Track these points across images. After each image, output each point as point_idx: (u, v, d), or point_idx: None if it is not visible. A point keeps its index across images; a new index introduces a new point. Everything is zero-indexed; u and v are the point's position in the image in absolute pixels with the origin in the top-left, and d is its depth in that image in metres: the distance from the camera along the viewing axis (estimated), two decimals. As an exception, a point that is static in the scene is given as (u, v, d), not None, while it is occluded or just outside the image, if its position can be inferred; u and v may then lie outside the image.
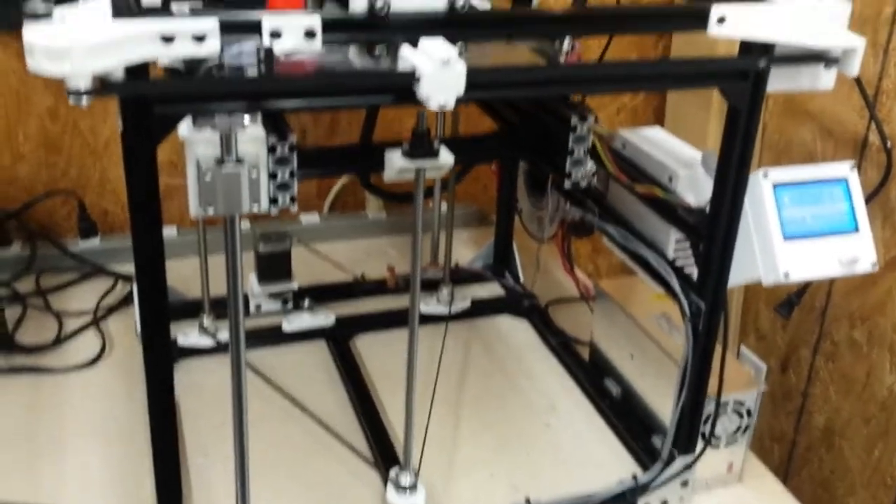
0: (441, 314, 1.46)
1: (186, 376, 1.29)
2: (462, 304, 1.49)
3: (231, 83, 0.76)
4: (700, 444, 1.12)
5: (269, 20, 0.75)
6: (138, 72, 0.73)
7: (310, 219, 1.73)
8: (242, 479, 0.94)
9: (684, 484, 1.13)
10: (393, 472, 1.08)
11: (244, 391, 0.90)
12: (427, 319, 1.43)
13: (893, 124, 1.50)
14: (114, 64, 0.70)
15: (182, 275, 1.39)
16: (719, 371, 1.07)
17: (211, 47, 0.73)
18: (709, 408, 1.09)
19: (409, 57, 0.79)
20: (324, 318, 1.42)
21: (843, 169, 1.01)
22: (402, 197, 1.41)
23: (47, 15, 0.69)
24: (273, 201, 0.88)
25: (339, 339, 1.40)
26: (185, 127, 0.80)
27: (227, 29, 0.74)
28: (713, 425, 1.11)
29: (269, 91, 0.79)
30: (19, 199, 1.56)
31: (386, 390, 1.28)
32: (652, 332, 1.18)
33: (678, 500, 1.14)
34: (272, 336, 1.39)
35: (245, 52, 0.76)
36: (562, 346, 1.41)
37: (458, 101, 0.78)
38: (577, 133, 1.09)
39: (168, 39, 0.72)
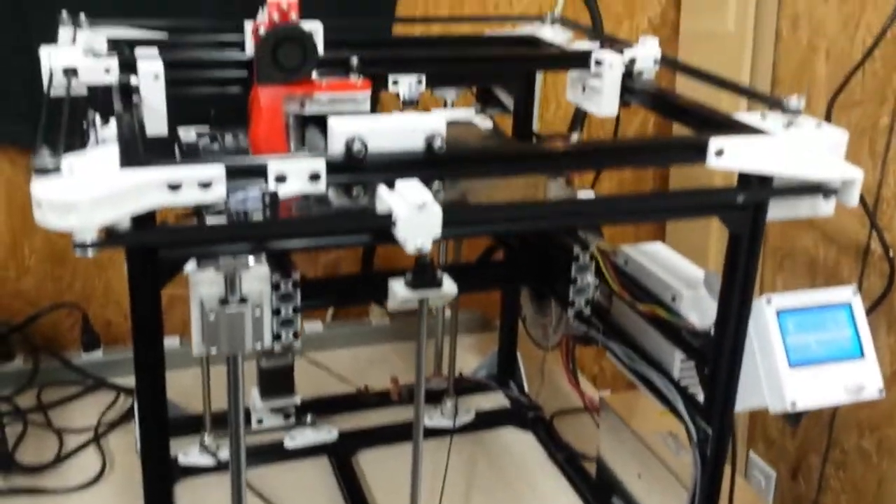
0: (445, 427, 1.44)
1: (187, 496, 1.27)
2: (466, 416, 1.48)
3: (235, 228, 0.77)
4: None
5: (274, 165, 0.76)
6: (144, 219, 0.74)
7: (313, 327, 1.72)
8: None
9: None
10: None
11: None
12: (431, 433, 1.41)
13: (894, 232, 1.50)
14: (120, 215, 0.70)
15: (184, 385, 1.38)
16: (729, 494, 1.06)
17: (217, 193, 0.74)
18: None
19: (386, 199, 0.79)
20: (326, 433, 1.41)
21: (847, 293, 1.00)
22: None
23: (56, 169, 0.70)
24: (276, 337, 0.88)
25: (342, 455, 1.38)
26: (189, 264, 0.81)
27: (234, 174, 0.75)
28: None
29: (272, 235, 0.80)
30: (24, 311, 1.57)
31: (390, 510, 1.26)
32: (659, 451, 1.17)
33: None
34: (274, 453, 1.37)
35: (250, 197, 0.77)
36: (568, 461, 1.39)
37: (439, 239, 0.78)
38: (579, 262, 1.09)
39: (175, 187, 0.73)
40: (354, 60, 1.02)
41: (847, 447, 1.62)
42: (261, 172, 0.76)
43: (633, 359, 1.15)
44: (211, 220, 0.82)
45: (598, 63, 1.16)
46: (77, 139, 0.94)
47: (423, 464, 1.00)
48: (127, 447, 1.39)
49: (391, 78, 1.11)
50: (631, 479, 1.24)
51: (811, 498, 1.71)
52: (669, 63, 1.21)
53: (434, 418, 1.46)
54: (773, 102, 0.98)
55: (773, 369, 0.96)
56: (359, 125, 0.80)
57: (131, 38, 1.14)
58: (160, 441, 0.88)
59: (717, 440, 1.02)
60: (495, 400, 1.55)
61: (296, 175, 0.77)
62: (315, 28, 1.00)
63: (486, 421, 1.49)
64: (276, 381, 1.39)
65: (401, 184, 0.79)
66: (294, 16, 0.96)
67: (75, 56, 0.99)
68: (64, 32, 1.11)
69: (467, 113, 1.38)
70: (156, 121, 0.98)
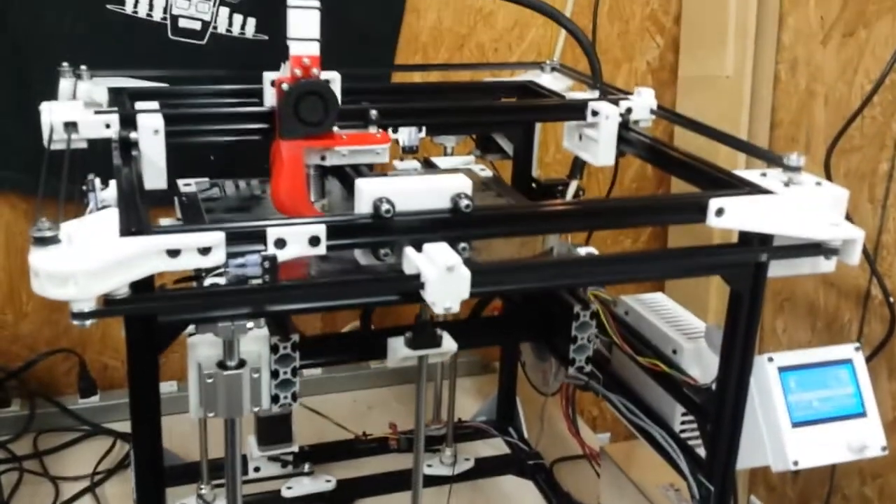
0: (445, 475, 1.43)
1: (184, 548, 1.26)
2: (466, 464, 1.46)
3: (234, 294, 0.76)
4: None
5: (273, 230, 0.76)
6: (142, 283, 0.73)
7: (312, 372, 1.71)
8: None
9: None
10: None
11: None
12: (430, 480, 1.40)
13: (894, 278, 1.50)
14: (118, 283, 0.70)
15: (181, 432, 1.36)
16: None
17: (217, 258, 0.74)
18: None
19: (414, 260, 0.79)
20: (324, 482, 1.39)
21: (848, 350, 1.00)
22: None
23: (53, 239, 0.69)
24: (274, 399, 0.87)
25: (341, 504, 1.37)
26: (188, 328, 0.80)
27: (233, 239, 0.75)
28: None
29: (273, 300, 0.79)
30: (21, 356, 1.56)
31: (388, 562, 1.25)
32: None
33: None
34: (271, 503, 1.36)
35: (249, 262, 0.76)
36: (568, 511, 1.37)
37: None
38: (579, 321, 1.09)
39: (174, 253, 0.72)
40: (374, 113, 1.03)
41: (849, 493, 1.61)
42: (260, 237, 0.76)
43: (634, 412, 1.14)
44: (210, 281, 0.82)
45: (594, 114, 1.16)
46: (77, 197, 0.94)
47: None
48: (123, 495, 1.38)
49: (391, 125, 1.12)
50: (632, 531, 1.22)
51: (814, 544, 1.70)
52: (666, 113, 1.21)
53: (433, 465, 1.44)
54: (774, 159, 0.98)
55: (776, 428, 0.96)
56: (386, 186, 0.81)
57: (134, 88, 1.15)
58: (156, 492, 0.87)
59: (719, 497, 1.01)
60: (495, 445, 1.54)
61: (295, 239, 0.77)
62: (333, 77, 1.00)
63: (485, 468, 1.47)
64: (275, 428, 1.37)
65: (429, 246, 0.79)
66: (315, 71, 0.96)
67: (76, 110, 0.99)
68: (65, 84, 1.11)
69: (467, 161, 1.39)
70: (155, 175, 0.98)
